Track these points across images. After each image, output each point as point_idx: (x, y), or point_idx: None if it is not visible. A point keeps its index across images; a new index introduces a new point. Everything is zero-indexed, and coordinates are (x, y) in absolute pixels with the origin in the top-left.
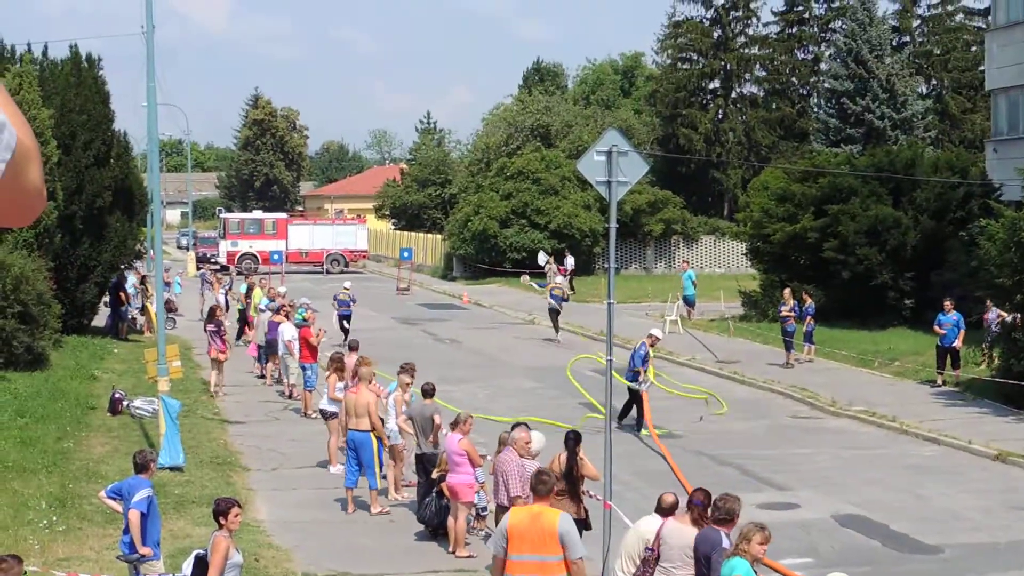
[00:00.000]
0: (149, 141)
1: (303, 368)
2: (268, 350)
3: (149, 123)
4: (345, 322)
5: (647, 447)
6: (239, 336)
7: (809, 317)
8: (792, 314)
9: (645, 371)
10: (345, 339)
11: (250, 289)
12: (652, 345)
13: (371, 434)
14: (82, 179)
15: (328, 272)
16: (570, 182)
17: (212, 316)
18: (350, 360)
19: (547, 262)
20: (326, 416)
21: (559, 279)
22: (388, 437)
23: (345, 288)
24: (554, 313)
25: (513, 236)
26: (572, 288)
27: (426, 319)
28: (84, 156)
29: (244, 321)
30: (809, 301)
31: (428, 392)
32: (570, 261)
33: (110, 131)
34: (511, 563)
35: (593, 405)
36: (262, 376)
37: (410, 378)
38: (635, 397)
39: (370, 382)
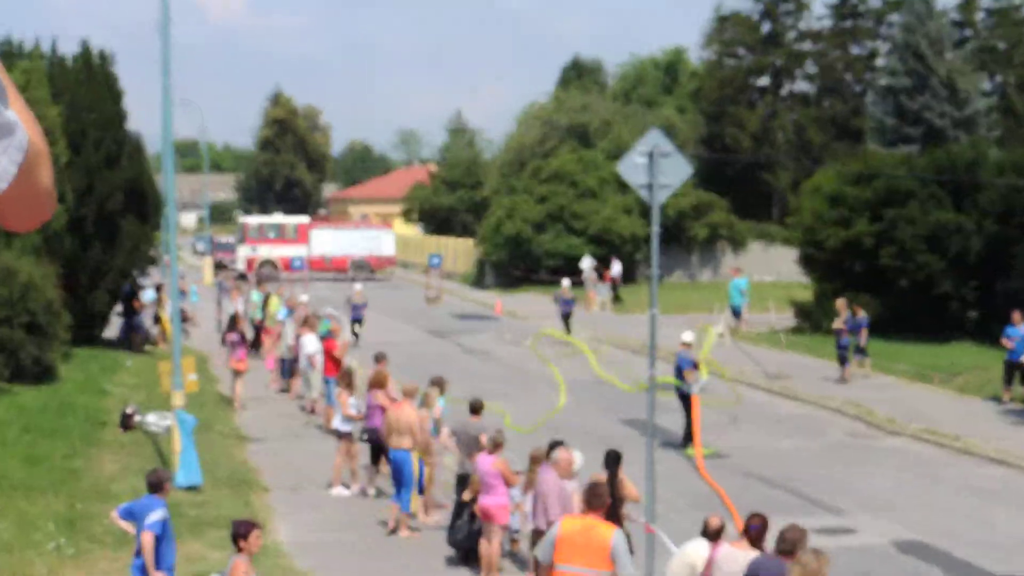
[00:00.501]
0: (163, 140)
1: (326, 382)
2: (293, 363)
3: (163, 122)
4: (356, 325)
5: (693, 465)
6: (252, 347)
7: (863, 329)
8: (844, 326)
9: (695, 372)
10: (356, 341)
11: (266, 299)
12: (690, 349)
13: (412, 454)
14: (93, 180)
15: (353, 280)
16: (609, 184)
17: (234, 325)
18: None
19: (592, 268)
20: (338, 435)
21: (600, 288)
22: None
23: (357, 291)
24: (566, 318)
25: (549, 242)
26: (618, 298)
27: (457, 330)
28: (95, 156)
29: (258, 332)
30: (861, 313)
31: (476, 408)
32: (616, 268)
33: (122, 130)
34: (557, 572)
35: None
36: (284, 390)
37: (439, 392)
38: (688, 408)
39: (424, 398)
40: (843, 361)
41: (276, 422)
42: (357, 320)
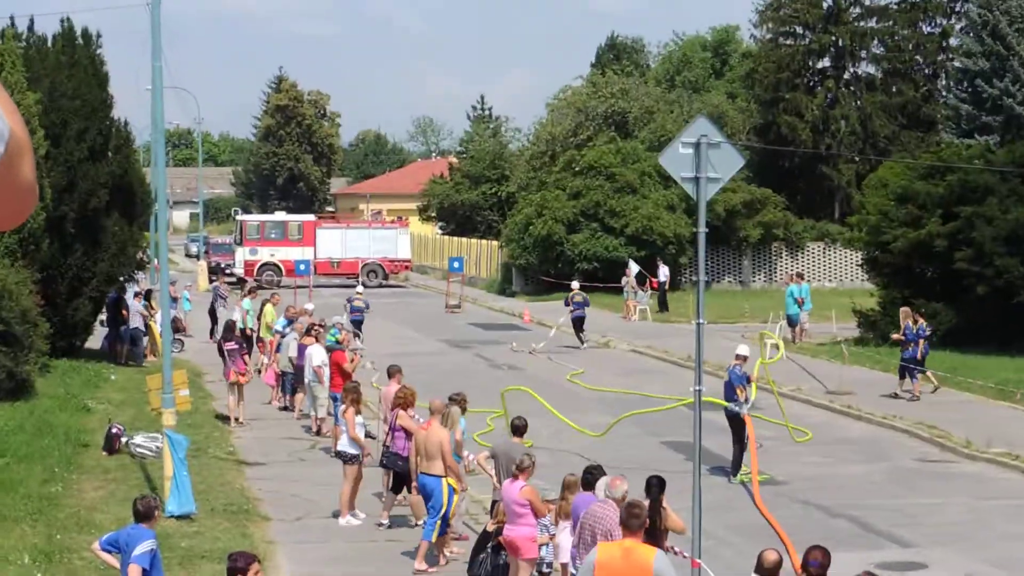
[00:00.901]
0: (154, 130)
1: (334, 399)
2: (297, 378)
3: (154, 109)
4: (357, 328)
5: (743, 494)
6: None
7: (922, 340)
8: (903, 337)
9: (747, 390)
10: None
11: (261, 308)
12: (745, 366)
13: (443, 480)
14: (74, 175)
15: (364, 286)
16: (651, 178)
17: (230, 332)
18: (390, 389)
19: (638, 273)
20: (345, 459)
21: (640, 295)
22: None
23: (358, 293)
24: (578, 322)
25: (583, 242)
26: (666, 306)
27: (480, 341)
28: (77, 148)
29: (250, 344)
30: (921, 322)
31: (518, 429)
32: (663, 272)
33: (108, 119)
34: None
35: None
36: (285, 408)
37: (461, 410)
38: (738, 430)
39: (444, 418)
40: (910, 375)
41: (278, 444)
42: (357, 323)
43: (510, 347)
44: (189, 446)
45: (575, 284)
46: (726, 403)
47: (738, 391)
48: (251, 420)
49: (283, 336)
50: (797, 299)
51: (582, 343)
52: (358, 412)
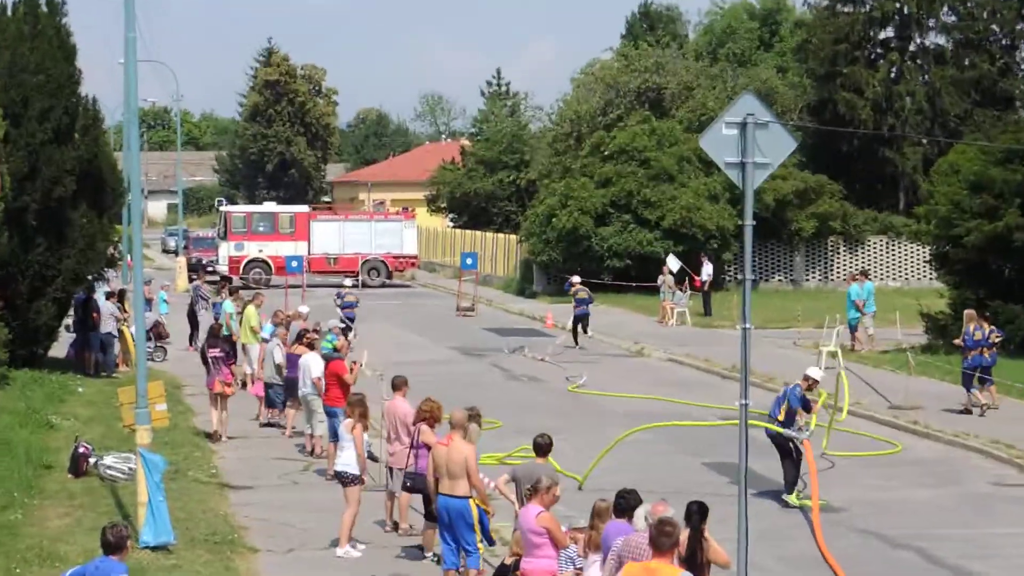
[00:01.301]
0: (126, 110)
1: (331, 414)
2: (288, 391)
3: (127, 86)
4: (350, 324)
5: (796, 521)
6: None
7: (983, 349)
8: (962, 343)
9: (807, 416)
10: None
11: (243, 310)
12: (808, 389)
13: (471, 501)
14: (37, 160)
15: (365, 285)
16: (690, 164)
17: (215, 337)
18: (395, 403)
19: (678, 270)
20: (346, 480)
21: (678, 296)
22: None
23: (348, 287)
24: (582, 319)
25: (613, 237)
26: (709, 308)
27: (495, 349)
28: (40, 130)
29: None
30: (986, 327)
31: (542, 448)
32: (707, 270)
33: (75, 96)
34: None
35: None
36: (269, 423)
37: (478, 427)
38: (786, 453)
39: (465, 431)
40: (967, 386)
41: (267, 465)
42: (350, 320)
43: (520, 353)
44: (166, 468)
45: (575, 279)
46: (776, 428)
47: (798, 415)
48: (237, 438)
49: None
50: (855, 301)
51: (576, 343)
52: (365, 429)
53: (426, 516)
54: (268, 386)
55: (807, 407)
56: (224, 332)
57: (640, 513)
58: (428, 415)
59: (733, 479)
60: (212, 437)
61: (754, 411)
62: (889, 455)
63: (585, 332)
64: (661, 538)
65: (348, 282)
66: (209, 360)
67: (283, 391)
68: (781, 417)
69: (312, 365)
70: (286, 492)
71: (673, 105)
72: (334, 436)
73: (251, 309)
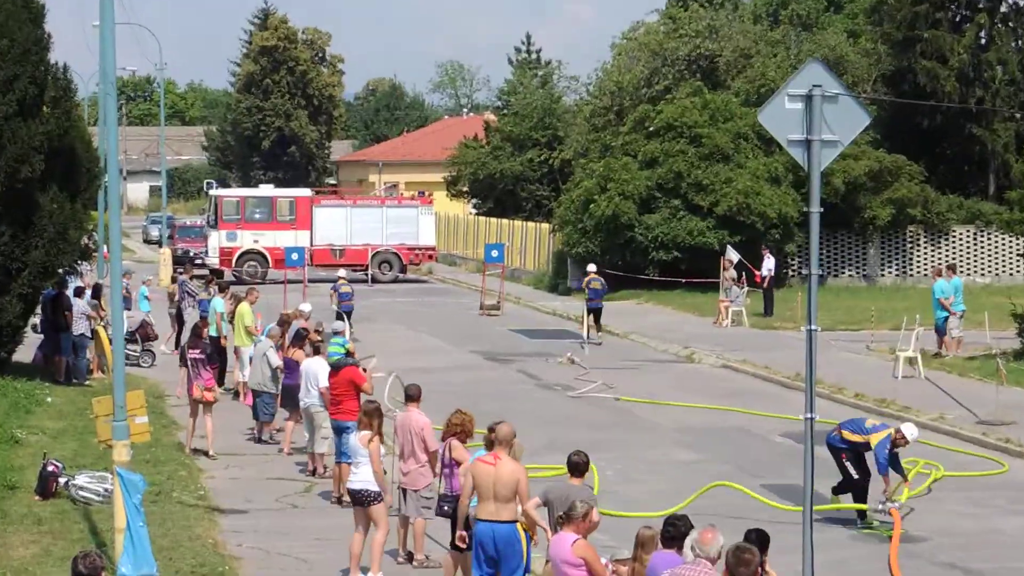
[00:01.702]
0: (102, 79)
1: (342, 429)
2: (287, 401)
3: (103, 52)
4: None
5: (868, 551)
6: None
7: None
8: None
9: (895, 482)
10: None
11: (234, 309)
12: (896, 445)
13: (518, 526)
14: (0, 136)
15: (375, 281)
16: (748, 142)
17: (198, 338)
18: (409, 416)
19: (737, 262)
20: (368, 499)
21: (735, 293)
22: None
23: (341, 277)
24: (595, 312)
25: (660, 226)
26: (769, 308)
27: (524, 353)
28: (3, 102)
29: (223, 356)
30: None
31: (576, 467)
32: (769, 264)
33: (44, 64)
34: None
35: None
36: (259, 439)
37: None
38: (858, 462)
39: (511, 448)
40: None
41: (262, 486)
42: (348, 313)
43: (573, 361)
44: (148, 488)
45: (591, 267)
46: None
47: (883, 479)
48: (228, 455)
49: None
50: (940, 299)
51: (587, 341)
52: (381, 441)
53: (452, 545)
54: (256, 394)
55: (897, 467)
56: (212, 333)
57: (688, 541)
58: (459, 429)
59: (796, 503)
60: (185, 449)
61: (825, 423)
62: (992, 476)
63: (597, 325)
64: (740, 568)
65: (342, 272)
66: (189, 362)
67: (275, 401)
68: (872, 443)
69: (319, 372)
70: (284, 517)
71: (728, 75)
72: (344, 455)
73: (244, 307)
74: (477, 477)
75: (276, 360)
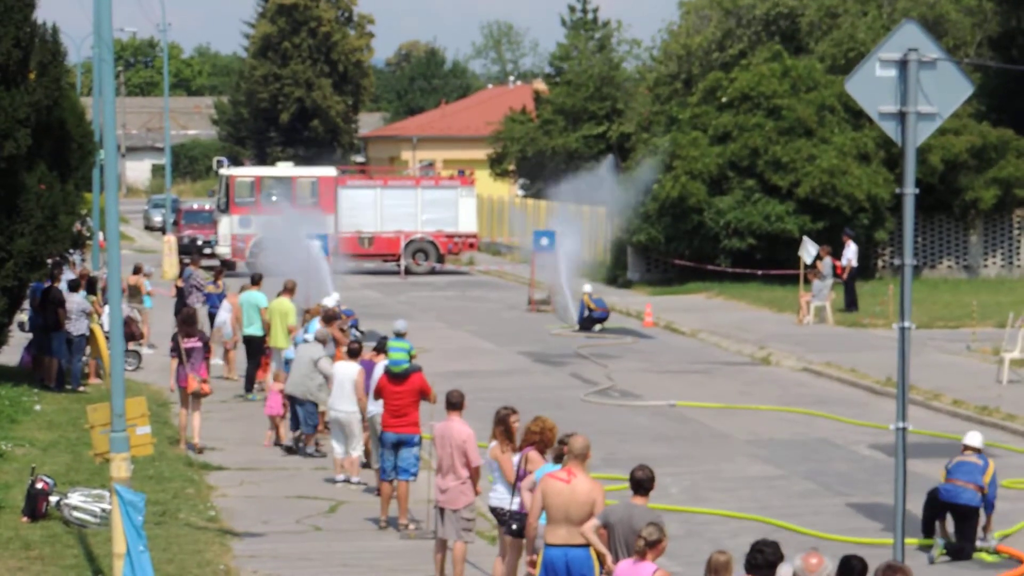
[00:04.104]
0: (97, 42)
1: (406, 443)
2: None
3: (97, 11)
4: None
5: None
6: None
7: None
8: None
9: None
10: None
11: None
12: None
13: (591, 551)
14: None
15: (408, 272)
16: (834, 114)
17: (191, 326)
18: (451, 425)
19: (815, 257)
20: (508, 521)
21: (818, 286)
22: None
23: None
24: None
25: (733, 210)
26: (854, 302)
27: (579, 355)
28: None
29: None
30: None
31: (641, 485)
32: (851, 251)
33: (29, 25)
34: None
35: None
36: (283, 446)
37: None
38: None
39: (585, 459)
40: None
41: (281, 505)
42: (354, 326)
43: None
44: (149, 508)
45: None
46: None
47: (988, 517)
48: (245, 469)
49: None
50: None
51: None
52: (513, 450)
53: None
54: (297, 402)
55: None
56: (255, 331)
57: (784, 570)
58: (539, 438)
59: (887, 525)
60: (180, 444)
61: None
62: None
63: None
64: None
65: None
66: (183, 352)
67: (317, 411)
68: (985, 488)
69: (357, 378)
70: (306, 541)
71: (812, 37)
72: (403, 472)
73: (286, 303)
74: (548, 496)
75: (330, 369)
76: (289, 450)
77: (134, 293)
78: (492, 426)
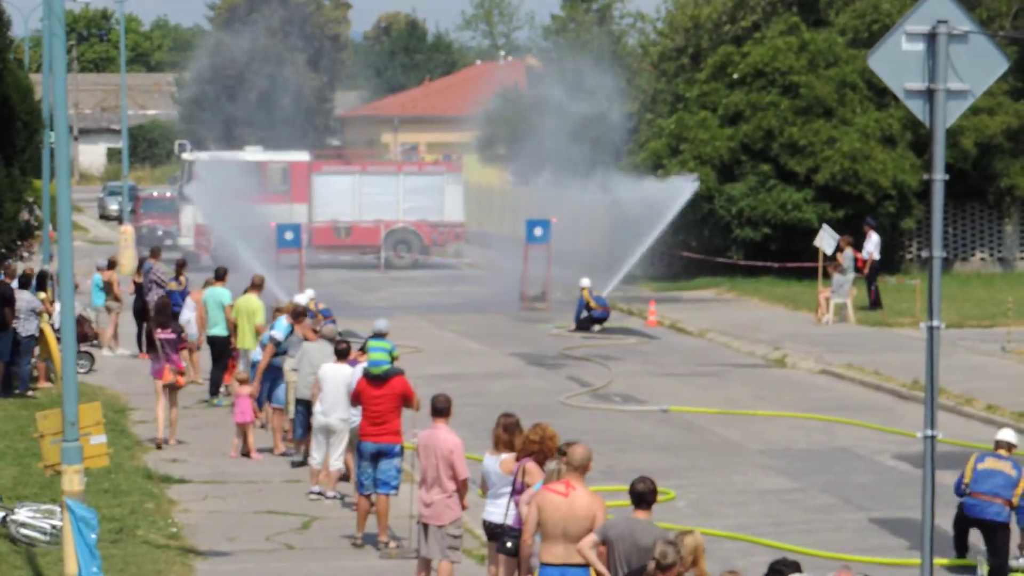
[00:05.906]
0: (46, 13)
1: (381, 454)
2: (309, 411)
3: None
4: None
5: None
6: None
7: None
8: None
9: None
10: None
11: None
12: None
13: (590, 571)
14: None
15: (389, 266)
16: (856, 92)
17: (165, 316)
18: (436, 433)
19: (835, 248)
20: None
21: (838, 281)
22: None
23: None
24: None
25: (745, 197)
26: (876, 300)
27: (576, 357)
28: None
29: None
30: None
31: (643, 498)
32: (872, 242)
33: None
34: None
35: None
36: (293, 461)
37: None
38: (995, 537)
39: (585, 471)
40: None
41: (249, 521)
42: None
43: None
44: (104, 525)
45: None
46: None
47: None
48: (208, 483)
49: (278, 345)
50: None
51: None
52: (518, 459)
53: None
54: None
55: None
56: (218, 332)
57: None
58: (538, 448)
59: (914, 543)
60: (159, 442)
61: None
62: None
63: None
64: None
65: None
66: (158, 344)
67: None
68: (1015, 502)
69: (350, 381)
70: (277, 560)
71: (832, 8)
72: (383, 486)
73: (253, 300)
74: (545, 511)
75: (320, 368)
76: (298, 464)
77: (109, 290)
78: (495, 434)
